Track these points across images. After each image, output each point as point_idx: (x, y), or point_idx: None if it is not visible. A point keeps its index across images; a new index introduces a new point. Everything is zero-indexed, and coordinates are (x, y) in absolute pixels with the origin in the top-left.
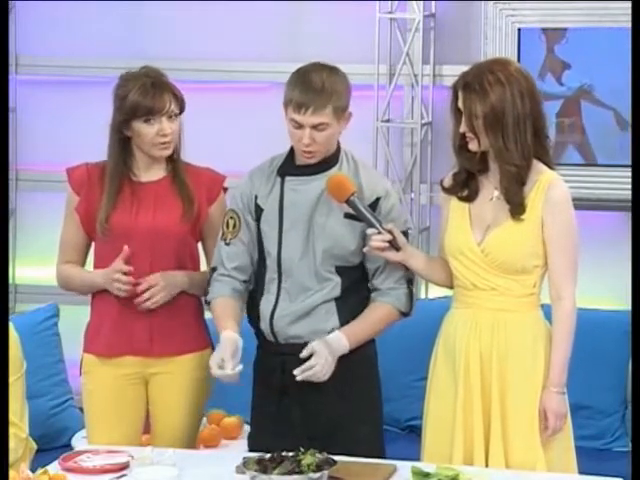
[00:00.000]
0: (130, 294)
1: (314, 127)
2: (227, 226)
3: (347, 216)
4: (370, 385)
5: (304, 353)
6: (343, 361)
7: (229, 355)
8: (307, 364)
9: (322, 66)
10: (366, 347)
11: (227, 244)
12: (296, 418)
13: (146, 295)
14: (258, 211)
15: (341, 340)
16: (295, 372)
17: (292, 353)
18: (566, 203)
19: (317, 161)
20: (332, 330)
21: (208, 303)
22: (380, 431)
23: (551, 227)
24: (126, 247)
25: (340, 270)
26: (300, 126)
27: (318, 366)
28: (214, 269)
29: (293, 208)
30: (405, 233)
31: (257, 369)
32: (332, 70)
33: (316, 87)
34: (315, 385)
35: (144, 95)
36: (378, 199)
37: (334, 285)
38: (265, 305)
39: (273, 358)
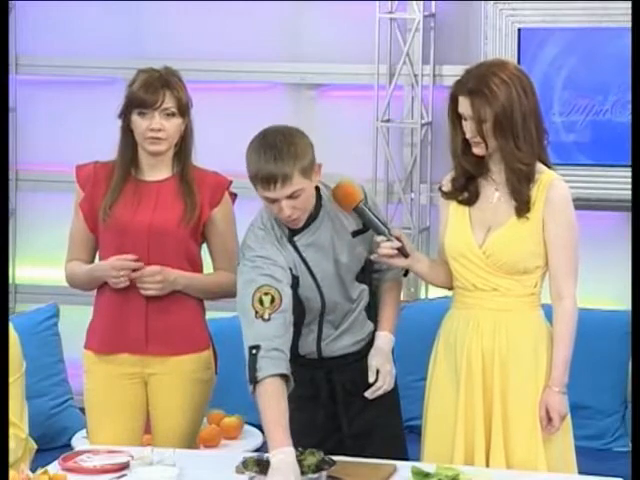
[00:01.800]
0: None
1: (289, 197)
2: (261, 303)
3: (355, 234)
4: (395, 385)
5: (371, 379)
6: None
7: None
8: (376, 386)
9: (275, 131)
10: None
11: (267, 320)
12: (345, 421)
13: (139, 276)
14: (295, 280)
15: (388, 338)
16: (367, 394)
17: (336, 364)
18: (567, 203)
19: (305, 220)
20: (369, 334)
21: (254, 382)
22: (404, 438)
23: (552, 227)
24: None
25: (359, 278)
26: (275, 200)
27: (386, 385)
28: (256, 347)
29: (317, 261)
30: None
31: (298, 384)
32: (285, 132)
33: (276, 158)
34: (357, 389)
35: (142, 87)
36: (365, 195)
37: (366, 293)
38: (306, 338)
39: (317, 372)
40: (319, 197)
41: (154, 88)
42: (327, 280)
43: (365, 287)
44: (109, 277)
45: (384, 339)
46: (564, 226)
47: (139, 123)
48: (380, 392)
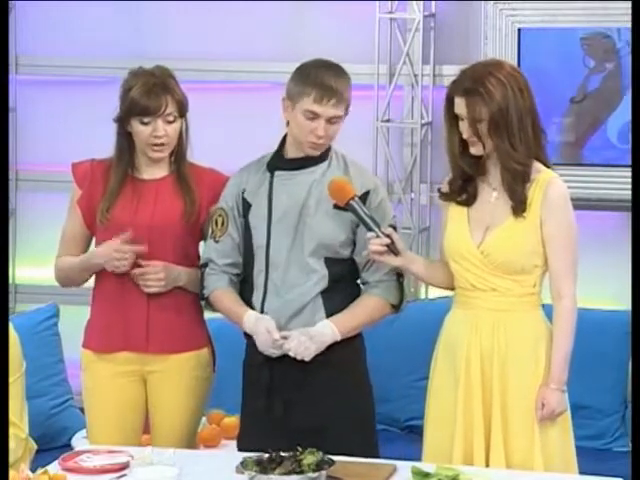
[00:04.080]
0: (129, 268)
1: (329, 120)
2: (216, 224)
3: (336, 207)
4: (357, 382)
5: (283, 333)
6: (328, 358)
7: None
8: (284, 348)
9: (331, 63)
10: (352, 343)
11: (216, 242)
12: (280, 415)
13: (142, 273)
14: (245, 205)
15: (328, 327)
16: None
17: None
18: (565, 202)
19: (319, 153)
20: (320, 326)
21: (205, 299)
22: (371, 429)
23: (550, 226)
24: (128, 233)
25: (328, 262)
26: (316, 117)
27: (291, 351)
28: (205, 265)
29: (282, 201)
30: (393, 228)
31: (246, 367)
32: (339, 67)
33: (335, 82)
34: (300, 382)
35: (142, 94)
36: (367, 192)
37: (320, 277)
38: (255, 302)
39: (260, 355)
40: (325, 155)
41: (155, 94)
42: (282, 224)
43: (325, 272)
44: (111, 260)
45: (321, 325)
46: (563, 225)
47: (141, 130)
48: (285, 345)
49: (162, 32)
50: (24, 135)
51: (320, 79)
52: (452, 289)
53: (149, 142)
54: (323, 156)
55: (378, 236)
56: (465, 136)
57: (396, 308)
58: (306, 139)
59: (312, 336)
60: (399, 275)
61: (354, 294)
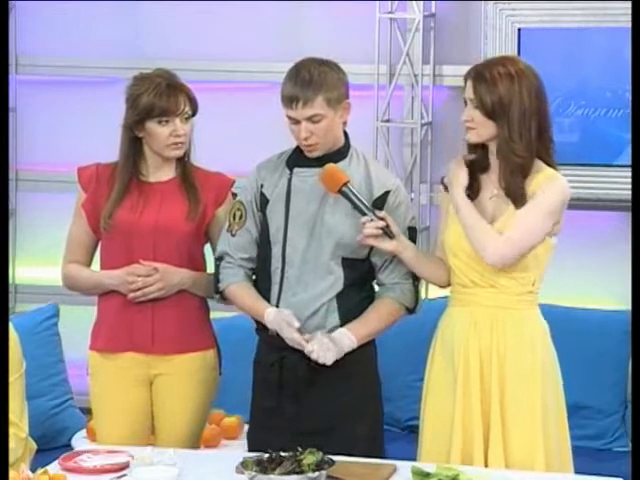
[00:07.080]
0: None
1: (309, 120)
2: (234, 217)
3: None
4: (368, 383)
5: (306, 336)
6: (340, 359)
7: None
8: (306, 350)
9: (313, 60)
10: (364, 345)
11: (233, 235)
12: (292, 414)
13: (139, 284)
14: (263, 200)
15: (346, 336)
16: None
17: (291, 348)
18: (555, 189)
19: (321, 154)
20: (333, 328)
21: (220, 292)
22: (379, 430)
23: (532, 198)
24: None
25: (346, 263)
26: (296, 121)
27: (314, 353)
28: (220, 258)
29: (300, 198)
30: (413, 229)
31: (257, 365)
32: (323, 63)
33: (304, 80)
34: (311, 382)
35: (159, 96)
36: (387, 192)
37: (336, 278)
38: (271, 299)
39: (273, 354)
40: (345, 152)
41: (172, 94)
42: (299, 221)
43: (341, 274)
44: (124, 284)
45: (341, 333)
46: (541, 199)
47: (159, 131)
48: (314, 356)
49: (162, 32)
50: (24, 135)
51: (283, 90)
52: (438, 284)
53: (168, 142)
54: (341, 154)
55: (372, 219)
56: (463, 118)
57: (410, 311)
58: (299, 143)
59: (332, 338)
60: (415, 277)
61: (369, 297)
